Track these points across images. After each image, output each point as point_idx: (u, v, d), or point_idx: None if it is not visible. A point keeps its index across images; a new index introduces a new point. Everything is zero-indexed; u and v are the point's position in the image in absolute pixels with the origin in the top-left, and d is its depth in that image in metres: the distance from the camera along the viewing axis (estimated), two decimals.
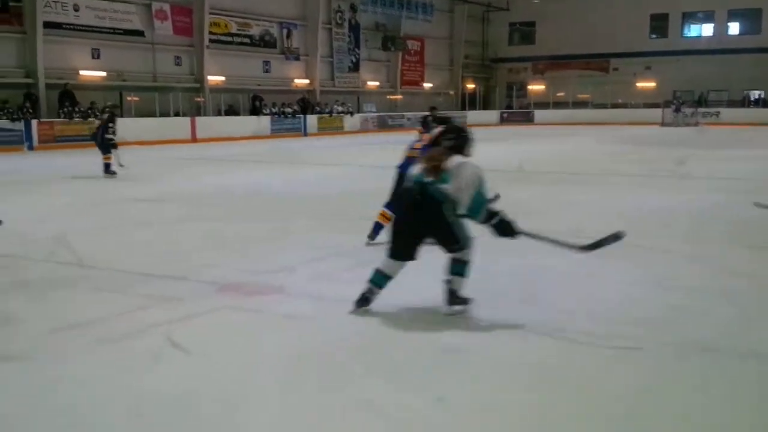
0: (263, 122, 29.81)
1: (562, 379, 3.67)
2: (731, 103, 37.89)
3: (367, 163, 17.28)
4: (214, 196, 11.41)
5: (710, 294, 5.25)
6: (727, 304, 4.95)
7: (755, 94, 38.69)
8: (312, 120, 32.17)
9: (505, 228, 4.60)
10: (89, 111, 22.96)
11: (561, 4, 41.48)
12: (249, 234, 7.87)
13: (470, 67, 46.00)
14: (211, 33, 28.96)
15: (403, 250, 4.69)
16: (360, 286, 4.75)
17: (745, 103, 38.11)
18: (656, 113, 36.20)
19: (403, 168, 6.32)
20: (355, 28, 36.78)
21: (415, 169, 4.76)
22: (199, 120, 27.52)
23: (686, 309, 4.83)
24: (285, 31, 32.93)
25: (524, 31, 46.56)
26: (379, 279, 4.73)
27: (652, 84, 40.50)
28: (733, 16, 40.13)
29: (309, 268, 6.10)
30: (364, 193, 11.58)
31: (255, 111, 30.43)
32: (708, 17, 41.07)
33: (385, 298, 4.87)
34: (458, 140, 4.76)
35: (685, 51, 39.88)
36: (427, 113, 8.36)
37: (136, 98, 26.21)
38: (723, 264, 6.18)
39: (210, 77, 29.17)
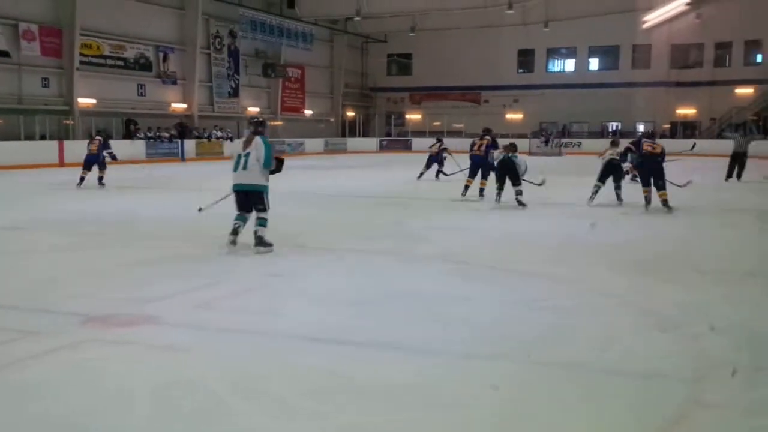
0: (138, 146, 28.86)
1: (438, 398, 3.80)
2: (591, 134, 40.46)
3: None
4: (83, 222, 10.90)
5: (577, 313, 5.59)
6: (594, 322, 5.29)
7: (613, 126, 41.50)
8: (190, 145, 31.48)
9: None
10: None
11: (435, 38, 42.92)
12: (121, 261, 7.58)
13: (350, 95, 46.65)
14: (82, 55, 27.87)
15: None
16: (240, 317, 4.71)
17: (604, 133, 40.68)
18: (524, 143, 37.96)
19: (475, 158, 14.14)
20: (234, 54, 36.48)
21: (497, 153, 12.92)
22: (67, 144, 26.30)
23: (556, 328, 5.13)
24: (161, 55, 32.17)
25: (401, 63, 47.83)
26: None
27: (519, 115, 42.67)
28: (593, 52, 42.95)
29: (187, 297, 5.97)
30: None
31: (129, 135, 29.45)
32: (570, 53, 43.76)
33: (266, 327, 4.88)
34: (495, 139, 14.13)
35: (550, 85, 42.33)
36: (483, 132, 14.86)
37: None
38: (587, 285, 6.60)
39: (80, 99, 28.00)
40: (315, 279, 6.84)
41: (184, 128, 32.07)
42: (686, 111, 39.95)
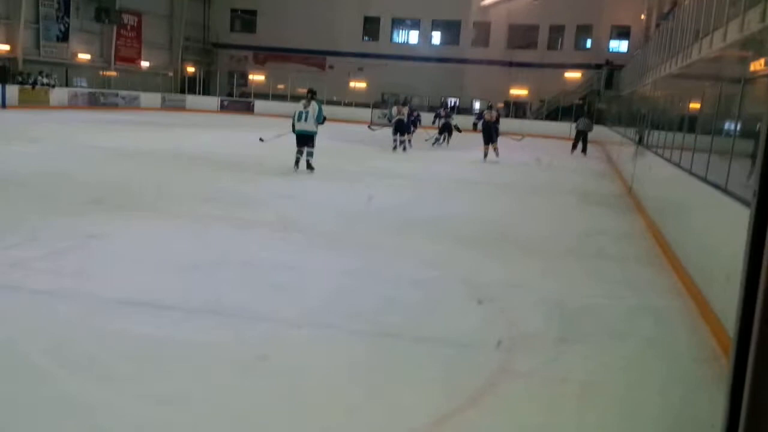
0: None
1: (263, 365, 3.82)
2: (431, 108, 41.61)
3: (76, 142, 16.11)
4: None
5: (399, 283, 5.74)
6: (415, 293, 5.48)
7: (451, 101, 42.93)
8: (12, 91, 28.91)
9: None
10: None
11: None
12: None
13: (191, 49, 44.75)
14: None
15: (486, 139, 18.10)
16: (56, 278, 4.46)
17: (441, 107, 42.01)
18: (367, 113, 38.37)
19: (484, 123, 18.51)
20: None
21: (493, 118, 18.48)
22: None
23: (379, 297, 5.26)
24: None
25: (246, 19, 46.41)
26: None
27: (363, 84, 42.97)
28: (436, 26, 43.98)
29: (0, 254, 5.59)
30: (71, 174, 10.84)
31: None
32: (415, 24, 44.53)
33: (83, 289, 4.65)
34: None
35: (394, 56, 42.91)
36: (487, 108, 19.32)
37: None
38: (412, 256, 6.81)
39: None
40: (139, 242, 6.59)
41: (5, 72, 29.38)
42: (519, 92, 41.98)
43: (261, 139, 14.46)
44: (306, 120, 12.42)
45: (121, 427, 3.04)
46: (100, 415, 3.13)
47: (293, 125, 12.60)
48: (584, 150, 23.32)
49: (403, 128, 19.80)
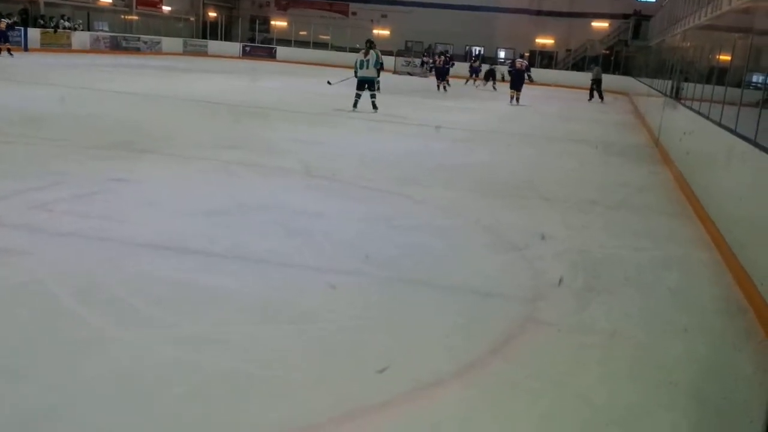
0: None
1: (288, 310, 3.83)
2: (455, 57, 40.98)
3: (100, 87, 16.10)
4: None
5: (426, 232, 5.74)
6: (441, 242, 5.47)
7: (476, 50, 42.20)
8: (34, 34, 28.86)
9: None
10: None
11: None
12: None
13: None
14: None
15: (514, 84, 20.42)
16: (82, 221, 4.48)
17: (467, 57, 41.41)
18: (390, 61, 37.86)
19: (514, 71, 20.74)
20: None
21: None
22: None
23: (406, 246, 5.25)
24: None
25: None
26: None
27: (387, 32, 42.33)
28: None
29: (24, 197, 5.60)
30: (95, 118, 10.87)
31: None
32: None
33: (109, 233, 4.69)
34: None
35: (418, 2, 42.14)
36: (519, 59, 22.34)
37: None
38: (439, 205, 6.79)
39: None
40: (164, 186, 6.60)
41: (27, 15, 29.29)
42: (545, 41, 41.23)
43: (329, 83, 17.48)
44: (367, 67, 14.47)
45: (144, 368, 3.07)
46: (123, 356, 3.17)
47: (356, 72, 14.57)
48: (600, 96, 25.20)
49: (442, 73, 25.12)
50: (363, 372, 3.20)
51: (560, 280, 4.51)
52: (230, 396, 2.88)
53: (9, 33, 25.71)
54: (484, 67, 29.91)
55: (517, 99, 20.35)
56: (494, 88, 27.17)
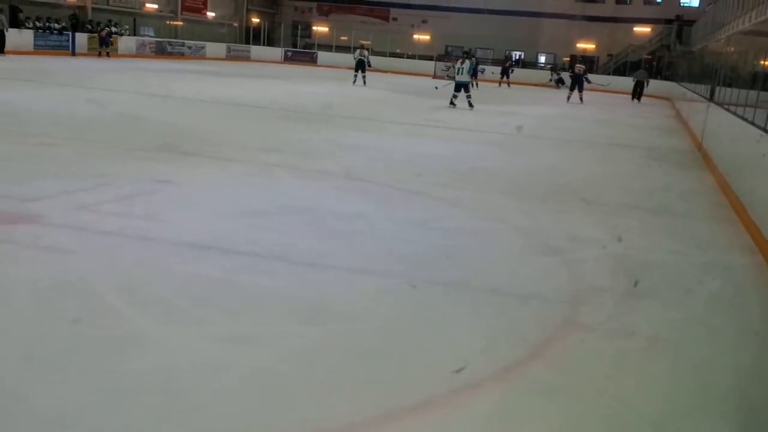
0: (26, 37, 26.82)
1: (327, 311, 3.85)
2: (495, 62, 40.83)
3: (145, 90, 16.40)
4: None
5: (468, 235, 5.73)
6: (483, 245, 5.46)
7: (516, 55, 41.98)
8: (82, 39, 29.54)
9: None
10: None
11: None
12: (5, 156, 7.18)
13: (256, 0, 44.84)
14: None
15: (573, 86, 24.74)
16: (126, 221, 4.57)
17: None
18: (430, 65, 37.92)
19: (573, 75, 25.19)
20: None
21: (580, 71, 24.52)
22: None
23: (447, 248, 5.25)
24: None
25: None
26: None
27: (427, 37, 42.39)
28: None
29: (70, 197, 5.72)
30: (139, 120, 11.08)
31: (17, 23, 27.25)
32: None
33: (152, 233, 4.76)
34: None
35: (459, 8, 42.10)
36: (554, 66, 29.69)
37: None
38: (480, 208, 6.77)
39: None
40: (206, 188, 6.69)
41: (77, 21, 30.03)
42: (586, 45, 40.80)
43: (436, 87, 20.75)
44: (462, 73, 17.99)
45: (186, 365, 3.11)
46: (166, 354, 3.22)
47: (454, 77, 18.30)
48: (639, 98, 27.68)
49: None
50: (401, 373, 3.20)
51: (635, 283, 4.55)
52: (270, 395, 2.91)
53: (108, 39, 29.69)
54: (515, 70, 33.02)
55: (581, 99, 23.91)
56: (560, 87, 31.36)
